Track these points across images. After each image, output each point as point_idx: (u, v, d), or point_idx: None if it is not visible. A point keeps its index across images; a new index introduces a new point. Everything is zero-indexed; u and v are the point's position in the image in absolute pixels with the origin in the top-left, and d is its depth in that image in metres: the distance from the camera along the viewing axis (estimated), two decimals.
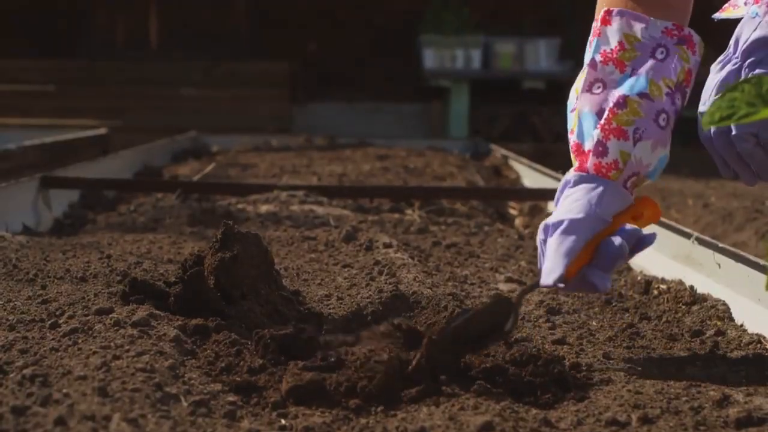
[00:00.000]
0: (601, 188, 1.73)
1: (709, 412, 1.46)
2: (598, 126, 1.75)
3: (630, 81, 1.76)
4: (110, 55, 9.35)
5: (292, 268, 2.45)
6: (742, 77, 1.70)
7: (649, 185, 5.55)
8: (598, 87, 1.78)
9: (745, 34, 1.71)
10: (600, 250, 1.71)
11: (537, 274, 1.76)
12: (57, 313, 1.84)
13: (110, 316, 1.77)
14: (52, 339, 1.67)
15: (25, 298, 1.96)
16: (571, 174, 1.78)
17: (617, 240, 1.70)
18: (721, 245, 2.36)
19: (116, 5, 9.62)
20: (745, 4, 1.78)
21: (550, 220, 1.73)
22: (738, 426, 1.40)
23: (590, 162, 1.75)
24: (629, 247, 1.72)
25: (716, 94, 1.73)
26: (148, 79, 8.83)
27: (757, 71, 1.68)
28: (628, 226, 1.73)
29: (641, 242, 1.74)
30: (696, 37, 1.78)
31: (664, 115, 1.76)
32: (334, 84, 9.61)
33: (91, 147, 5.99)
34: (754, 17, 1.71)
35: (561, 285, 1.69)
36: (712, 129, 1.73)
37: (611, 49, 1.78)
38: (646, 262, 2.77)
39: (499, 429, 1.34)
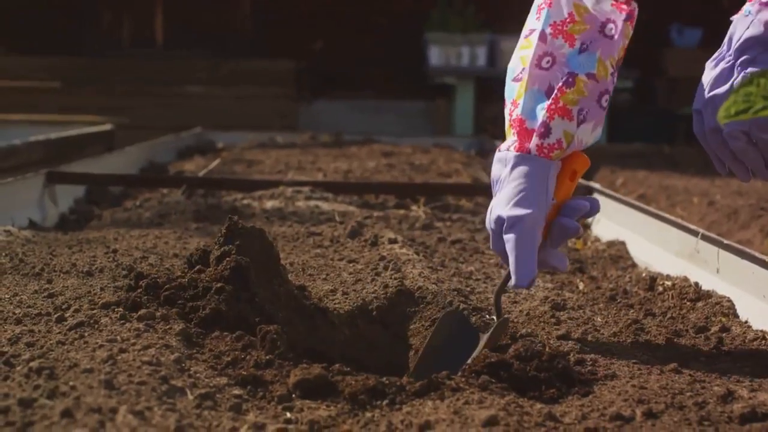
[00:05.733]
0: (545, 173, 1.76)
1: (713, 407, 1.46)
2: (546, 107, 1.76)
3: (579, 58, 1.77)
4: (116, 52, 9.37)
5: (298, 264, 2.46)
6: (735, 75, 1.72)
7: (655, 183, 5.49)
8: (548, 62, 1.78)
9: (738, 32, 1.73)
10: (553, 232, 1.78)
11: (499, 263, 1.77)
12: (63, 306, 1.85)
13: (116, 309, 1.78)
14: (59, 332, 1.67)
15: (31, 292, 1.97)
16: (511, 154, 1.79)
17: (567, 221, 1.76)
18: (726, 242, 2.36)
19: (122, 3, 9.64)
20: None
21: (501, 211, 1.76)
22: (742, 421, 1.40)
23: (533, 143, 1.77)
24: (576, 219, 1.78)
25: (710, 91, 1.75)
26: (153, 77, 8.84)
27: (750, 69, 1.69)
28: (571, 201, 1.78)
29: (588, 213, 1.80)
30: (636, 11, 1.79)
31: (606, 96, 1.79)
32: (340, 82, 9.60)
33: (96, 143, 6.00)
34: (747, 15, 1.73)
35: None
36: (706, 127, 1.75)
37: (561, 21, 1.79)
38: (651, 259, 2.77)
39: (503, 423, 1.34)
